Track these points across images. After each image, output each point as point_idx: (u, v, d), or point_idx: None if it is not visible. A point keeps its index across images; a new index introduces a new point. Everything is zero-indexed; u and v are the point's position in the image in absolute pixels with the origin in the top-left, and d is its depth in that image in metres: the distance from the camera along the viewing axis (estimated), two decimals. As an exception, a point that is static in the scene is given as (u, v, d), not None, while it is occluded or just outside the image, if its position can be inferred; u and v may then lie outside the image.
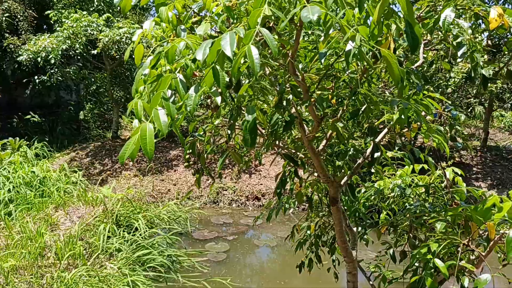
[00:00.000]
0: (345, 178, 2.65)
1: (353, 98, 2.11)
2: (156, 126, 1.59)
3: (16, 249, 5.88)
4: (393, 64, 1.53)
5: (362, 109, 2.07)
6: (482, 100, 12.05)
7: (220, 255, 7.48)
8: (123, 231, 6.92)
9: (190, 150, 2.63)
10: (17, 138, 11.34)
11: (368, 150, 2.48)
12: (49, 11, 12.25)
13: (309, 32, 2.51)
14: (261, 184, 11.13)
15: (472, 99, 11.81)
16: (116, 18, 12.36)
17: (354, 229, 3.07)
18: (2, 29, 13.60)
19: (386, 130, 2.45)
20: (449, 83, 9.63)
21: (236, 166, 11.39)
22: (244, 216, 9.92)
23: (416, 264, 2.21)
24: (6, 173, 9.06)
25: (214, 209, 10.35)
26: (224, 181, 11.14)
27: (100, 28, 11.24)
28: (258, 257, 8.04)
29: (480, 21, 2.14)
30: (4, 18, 13.55)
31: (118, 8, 13.06)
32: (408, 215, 2.86)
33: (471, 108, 11.86)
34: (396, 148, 2.67)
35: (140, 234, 6.90)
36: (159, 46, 1.88)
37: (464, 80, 9.75)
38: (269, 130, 2.27)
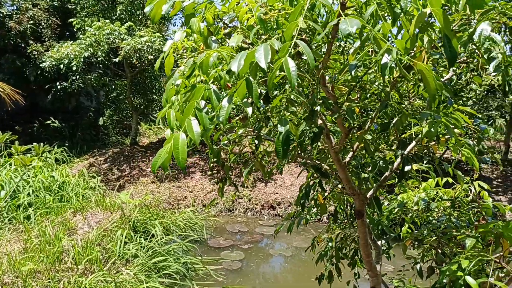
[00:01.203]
0: (371, 191, 2.62)
1: (382, 110, 2.09)
2: (189, 136, 1.60)
3: (35, 253, 5.94)
4: (430, 77, 1.52)
5: (393, 122, 2.06)
6: (503, 112, 11.86)
7: (235, 263, 7.46)
8: (140, 237, 6.95)
9: (215, 159, 2.64)
10: (41, 144, 11.54)
11: (396, 163, 2.45)
12: (72, 19, 12.53)
13: (337, 44, 2.51)
14: (277, 193, 11.09)
15: (493, 112, 11.64)
16: (138, 27, 12.56)
17: (378, 242, 3.03)
18: (26, 36, 13.95)
19: (414, 143, 2.43)
20: (470, 95, 9.51)
21: (251, 174, 11.38)
22: (259, 225, 9.89)
23: (445, 280, 2.16)
24: (26, 177, 9.21)
25: (230, 217, 10.35)
26: (240, 189, 11.15)
27: (122, 36, 11.42)
28: (273, 266, 7.99)
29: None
30: (28, 26, 13.90)
31: (140, 17, 13.30)
32: (433, 230, 2.81)
33: (492, 120, 11.69)
34: (424, 161, 2.64)
35: (157, 241, 6.93)
36: (192, 57, 1.90)
37: (485, 92, 9.62)
38: (296, 141, 2.26)
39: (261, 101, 2.09)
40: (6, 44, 13.93)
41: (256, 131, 2.58)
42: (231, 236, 8.97)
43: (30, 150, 11.10)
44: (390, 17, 1.76)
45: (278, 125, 1.64)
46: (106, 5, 13.31)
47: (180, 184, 11.41)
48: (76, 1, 13.32)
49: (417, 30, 1.63)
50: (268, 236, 9.09)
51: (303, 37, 1.85)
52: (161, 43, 11.33)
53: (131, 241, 6.72)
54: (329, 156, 2.70)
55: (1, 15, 13.86)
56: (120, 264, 6.12)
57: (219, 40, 2.18)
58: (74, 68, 11.46)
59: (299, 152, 2.43)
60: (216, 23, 2.22)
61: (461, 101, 9.72)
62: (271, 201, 10.85)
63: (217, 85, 1.74)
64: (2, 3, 14.13)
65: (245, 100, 1.81)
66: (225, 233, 9.14)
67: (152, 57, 11.31)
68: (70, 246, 6.24)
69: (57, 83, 13.25)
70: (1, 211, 7.55)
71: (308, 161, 2.64)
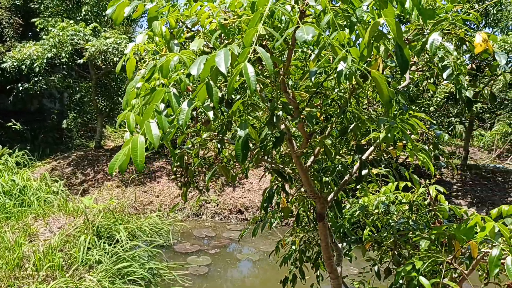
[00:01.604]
0: (332, 194, 2.68)
1: (341, 116, 2.15)
2: (148, 139, 1.59)
3: (-7, 259, 5.73)
4: (383, 85, 1.57)
5: (351, 127, 2.12)
6: (463, 119, 12.34)
7: (201, 268, 7.41)
8: (104, 242, 6.81)
9: (178, 163, 2.63)
10: (0, 146, 11.13)
11: (355, 167, 2.52)
12: (35, 19, 12.18)
13: (299, 50, 2.56)
14: (245, 198, 11.10)
15: (453, 118, 12.08)
16: (103, 28, 12.33)
17: (340, 245, 3.09)
18: (-14, 35, 13.46)
19: (372, 148, 2.50)
20: (431, 103, 9.85)
21: (219, 178, 11.36)
22: (227, 229, 9.87)
23: (401, 281, 2.24)
24: (-16, 181, 8.87)
25: (197, 222, 10.28)
26: (207, 194, 11.09)
27: (86, 38, 11.19)
28: (240, 271, 7.99)
29: (464, 44, 2.22)
30: (-12, 24, 13.42)
31: (106, 18, 13.07)
32: (392, 232, 2.90)
33: (452, 127, 12.13)
34: (382, 165, 2.73)
35: (121, 246, 6.80)
36: (153, 59, 1.89)
37: (445, 99, 9.98)
38: (259, 145, 2.29)
39: (224, 105, 2.11)
40: (-36, 43, 13.40)
41: (220, 135, 2.59)
42: (198, 241, 8.91)
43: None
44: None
45: (238, 129, 1.66)
46: (70, 6, 13.02)
47: (146, 189, 11.25)
48: (40, 1, 12.97)
49: (372, 38, 1.69)
50: (235, 240, 9.08)
51: (265, 43, 1.88)
52: (127, 45, 11.15)
53: (95, 247, 6.58)
54: (292, 160, 2.74)
55: (-41, 12, 13.34)
56: (83, 270, 5.97)
57: (182, 44, 2.18)
58: (37, 69, 11.13)
59: (262, 156, 2.45)
60: (179, 26, 2.22)
61: (422, 108, 10.05)
62: (239, 205, 10.85)
63: (178, 89, 1.74)
64: (-40, 0, 13.60)
65: (206, 103, 1.83)
66: (192, 238, 9.07)
67: (117, 59, 11.12)
68: (31, 252, 6.04)
69: (19, 84, 12.80)
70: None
71: (270, 165, 2.68)
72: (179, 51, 2.00)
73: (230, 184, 11.47)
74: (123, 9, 2.12)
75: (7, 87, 13.63)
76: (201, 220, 10.47)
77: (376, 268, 3.11)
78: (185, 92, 1.92)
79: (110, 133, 15.80)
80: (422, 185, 3.20)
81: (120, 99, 13.80)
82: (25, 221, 7.41)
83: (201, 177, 11.21)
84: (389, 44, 2.02)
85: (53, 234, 6.99)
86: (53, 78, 12.64)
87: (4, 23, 13.84)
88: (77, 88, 13.62)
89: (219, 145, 2.41)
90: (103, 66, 12.21)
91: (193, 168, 2.90)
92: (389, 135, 2.12)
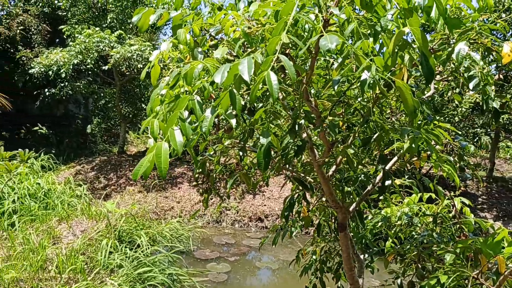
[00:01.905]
0: (354, 205, 2.65)
1: (364, 125, 2.13)
2: (172, 145, 1.61)
3: (18, 260, 5.85)
4: (407, 94, 1.55)
5: (374, 137, 2.09)
6: (489, 130, 12.05)
7: (221, 275, 7.40)
8: (125, 247, 6.88)
9: (200, 170, 2.65)
10: (27, 150, 11.41)
11: (378, 177, 2.48)
12: (62, 26, 12.52)
13: (321, 58, 2.55)
14: (265, 205, 11.07)
15: (478, 129, 11.82)
16: (128, 35, 12.58)
17: (361, 256, 3.04)
18: (16, 42, 13.90)
19: (396, 158, 2.46)
20: (456, 113, 9.67)
21: (240, 185, 11.38)
22: (247, 237, 9.85)
23: (424, 295, 2.18)
24: (11, 183, 9.09)
25: (217, 229, 10.30)
26: (227, 201, 11.11)
27: (112, 45, 11.43)
28: (259, 279, 7.95)
29: (491, 54, 2.17)
30: (18, 31, 13.86)
31: (130, 25, 13.33)
32: (415, 245, 2.84)
33: (477, 138, 11.86)
34: (406, 176, 2.68)
35: (142, 251, 6.86)
36: (177, 67, 1.92)
37: (471, 110, 9.78)
38: (280, 153, 2.28)
39: (246, 112, 2.12)
40: (-6, 49, 13.88)
41: (242, 143, 2.60)
42: (218, 248, 8.92)
43: (15, 156, 10.97)
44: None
45: (260, 137, 1.66)
46: (96, 13, 13.33)
47: (167, 194, 11.34)
48: (67, 8, 13.33)
49: (397, 48, 1.67)
50: (255, 248, 9.05)
51: (287, 52, 1.88)
52: (151, 52, 11.35)
53: (116, 251, 6.65)
54: (314, 169, 2.72)
55: (-10, 19, 13.84)
56: (104, 274, 6.04)
57: (205, 52, 2.20)
58: (63, 75, 11.41)
59: (283, 164, 2.45)
60: (203, 34, 2.25)
61: (447, 118, 9.87)
62: (259, 213, 10.83)
63: (201, 96, 1.76)
64: (-8, 8, 14.10)
65: (229, 111, 1.83)
66: (212, 245, 9.09)
67: (141, 65, 11.32)
68: (54, 254, 6.15)
69: (46, 90, 13.15)
70: (-16, 218, 7.43)
71: (292, 173, 2.67)
72: (203, 59, 2.03)
73: (250, 192, 11.47)
74: (149, 17, 2.17)
75: (34, 92, 14.04)
76: (221, 227, 10.49)
77: (399, 281, 3.05)
78: (207, 99, 1.93)
79: (133, 139, 16.04)
80: (446, 197, 3.13)
81: (143, 105, 14.02)
82: (49, 223, 7.56)
83: (221, 184, 11.27)
84: (413, 53, 1.99)
85: (76, 237, 7.10)
86: (78, 84, 12.94)
87: (33, 29, 14.29)
88: (102, 94, 13.90)
89: (240, 153, 2.42)
90: (127, 73, 12.43)
91: (214, 175, 2.92)
92: (413, 145, 2.09)
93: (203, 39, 2.17)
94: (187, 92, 1.78)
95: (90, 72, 13.21)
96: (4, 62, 14.05)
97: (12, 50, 13.97)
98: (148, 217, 9.46)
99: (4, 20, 14.11)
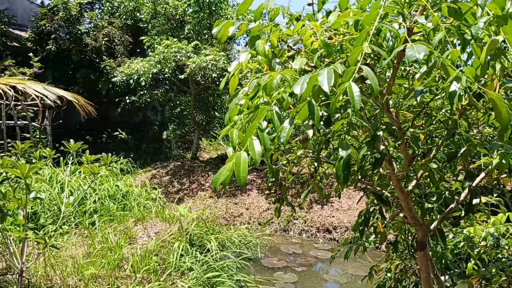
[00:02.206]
0: (436, 223, 2.50)
1: (449, 138, 2.01)
2: (250, 155, 1.62)
3: (97, 258, 6.23)
4: (502, 107, 1.44)
5: (461, 152, 1.97)
6: None
7: (288, 286, 7.35)
8: (196, 250, 7.07)
9: (274, 179, 2.65)
10: (109, 154, 12.20)
11: (463, 195, 2.33)
12: (143, 37, 13.26)
13: (401, 68, 2.46)
14: (333, 217, 10.86)
15: None
16: (204, 46, 13.03)
17: (442, 278, 2.87)
18: (101, 52, 15.00)
19: (483, 174, 2.29)
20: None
21: (308, 195, 11.24)
22: (314, 248, 9.71)
23: (514, 325, 2.00)
24: (93, 185, 9.75)
25: (284, 238, 10.26)
26: (295, 210, 11.05)
27: (188, 55, 11.89)
28: (327, 292, 7.79)
29: None
30: (103, 42, 14.94)
31: (206, 36, 13.81)
32: (503, 269, 2.62)
33: None
34: (494, 194, 2.49)
35: (212, 256, 7.01)
36: (256, 78, 1.94)
37: None
38: (357, 166, 2.22)
39: (322, 123, 2.09)
40: (82, 59, 15.04)
41: (316, 153, 2.57)
42: (285, 257, 8.87)
43: (99, 159, 11.74)
44: (459, 43, 1.70)
45: (339, 149, 1.63)
46: (175, 25, 13.97)
47: (237, 201, 11.52)
48: (148, 21, 14.12)
49: (488, 57, 1.57)
50: (322, 260, 8.89)
51: (367, 62, 1.83)
52: (225, 61, 11.65)
53: (187, 254, 6.85)
54: (391, 183, 2.62)
55: (80, 32, 15.02)
56: (175, 276, 6.25)
57: (283, 62, 2.21)
58: (143, 83, 12.06)
59: (359, 177, 2.38)
60: (280, 45, 2.26)
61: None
62: (327, 224, 10.63)
63: (279, 107, 1.76)
64: (81, 21, 15.32)
65: (306, 122, 1.82)
66: (279, 254, 9.07)
67: (216, 75, 11.65)
68: (130, 254, 6.47)
69: (127, 97, 13.99)
70: (69, 216, 8.01)
71: (368, 187, 2.58)
72: (280, 70, 2.03)
73: (319, 202, 11.31)
74: (228, 28, 2.23)
75: (116, 100, 15.00)
76: (288, 236, 10.44)
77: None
78: (286, 110, 1.94)
79: (205, 145, 16.55)
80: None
81: (216, 113, 14.44)
82: (126, 224, 7.98)
83: (290, 193, 11.24)
84: (505, 62, 1.85)
85: (150, 238, 7.43)
86: (156, 92, 13.61)
87: (116, 41, 15.33)
88: (178, 102, 14.50)
89: (315, 164, 2.39)
90: (202, 82, 12.86)
91: (286, 185, 2.91)
92: (503, 161, 1.93)
93: (280, 50, 2.18)
94: (266, 103, 1.79)
95: (167, 81, 13.83)
96: (91, 72, 15.19)
97: (97, 60, 15.08)
98: (218, 222, 9.66)
99: (91, 32, 15.29)
